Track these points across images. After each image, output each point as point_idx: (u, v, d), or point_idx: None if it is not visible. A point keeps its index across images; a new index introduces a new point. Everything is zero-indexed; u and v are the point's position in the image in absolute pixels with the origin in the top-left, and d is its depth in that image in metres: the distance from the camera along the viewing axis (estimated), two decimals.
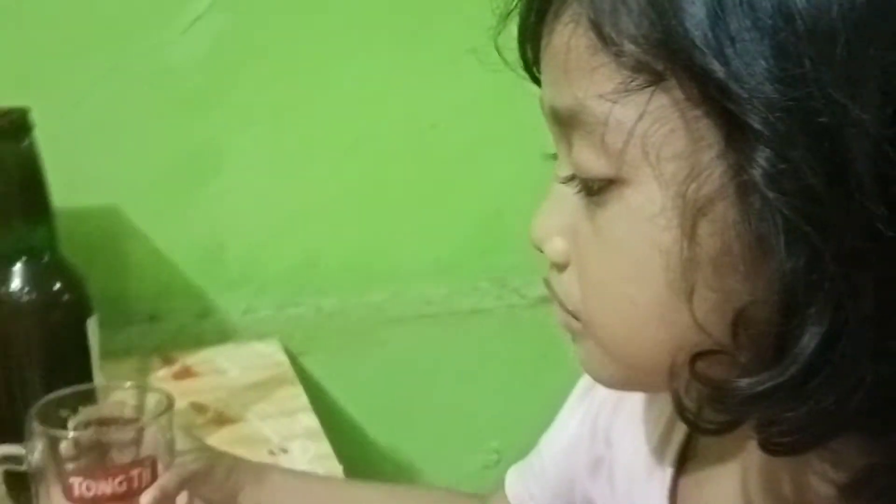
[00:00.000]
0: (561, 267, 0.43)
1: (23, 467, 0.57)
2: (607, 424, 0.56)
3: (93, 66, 1.03)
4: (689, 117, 0.35)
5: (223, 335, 1.10)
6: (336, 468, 0.80)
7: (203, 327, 1.10)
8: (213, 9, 1.05)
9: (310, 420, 0.89)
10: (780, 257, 0.34)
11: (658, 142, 0.36)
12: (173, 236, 1.09)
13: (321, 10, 1.09)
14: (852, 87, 0.33)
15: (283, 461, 0.80)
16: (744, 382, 0.36)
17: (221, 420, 0.88)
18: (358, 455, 1.18)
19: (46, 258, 0.74)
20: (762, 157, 0.33)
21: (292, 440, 0.84)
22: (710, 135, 0.35)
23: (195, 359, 1.02)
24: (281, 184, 1.10)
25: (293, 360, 1.07)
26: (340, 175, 1.12)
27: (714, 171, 0.35)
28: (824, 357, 0.34)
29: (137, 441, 0.58)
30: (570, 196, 0.42)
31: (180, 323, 1.10)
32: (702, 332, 0.37)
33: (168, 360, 1.02)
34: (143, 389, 0.61)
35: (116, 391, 0.61)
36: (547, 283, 0.45)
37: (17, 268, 0.72)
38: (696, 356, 0.38)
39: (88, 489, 0.56)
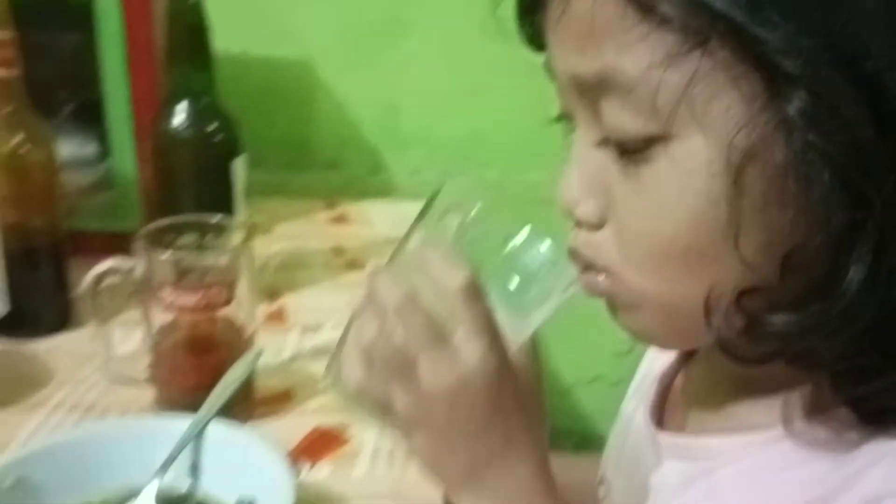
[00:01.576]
0: (594, 227, 0.44)
1: (130, 278, 0.69)
2: None
3: None
4: (734, 74, 0.37)
5: (388, 191, 1.20)
6: None
7: (372, 182, 1.21)
8: None
9: None
10: (824, 197, 0.36)
11: (705, 99, 0.38)
12: (355, 93, 1.18)
13: None
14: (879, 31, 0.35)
15: None
16: (791, 317, 0.38)
17: (353, 265, 0.98)
18: None
19: (206, 101, 0.85)
20: (798, 97, 0.36)
21: None
22: (753, 88, 0.37)
23: (354, 208, 1.13)
24: (458, 57, 1.15)
25: None
26: (514, 56, 1.15)
27: (759, 121, 0.37)
28: (869, 292, 0.37)
29: (217, 266, 0.69)
30: (596, 157, 0.43)
31: (352, 174, 1.20)
32: (749, 271, 0.39)
33: (331, 205, 1.13)
34: (230, 224, 0.72)
35: (211, 223, 0.71)
36: (572, 251, 0.46)
37: (181, 106, 0.84)
38: (742, 293, 0.40)
39: (175, 301, 0.67)
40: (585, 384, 1.29)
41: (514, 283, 0.47)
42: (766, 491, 0.42)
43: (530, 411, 0.47)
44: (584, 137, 0.44)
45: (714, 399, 0.48)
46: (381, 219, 1.11)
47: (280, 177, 1.18)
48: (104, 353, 0.69)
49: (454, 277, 0.44)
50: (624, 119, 0.40)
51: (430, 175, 1.21)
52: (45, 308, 0.81)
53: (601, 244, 0.44)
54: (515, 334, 0.47)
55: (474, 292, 0.44)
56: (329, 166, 1.21)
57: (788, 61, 0.36)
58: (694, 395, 0.51)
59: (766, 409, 0.43)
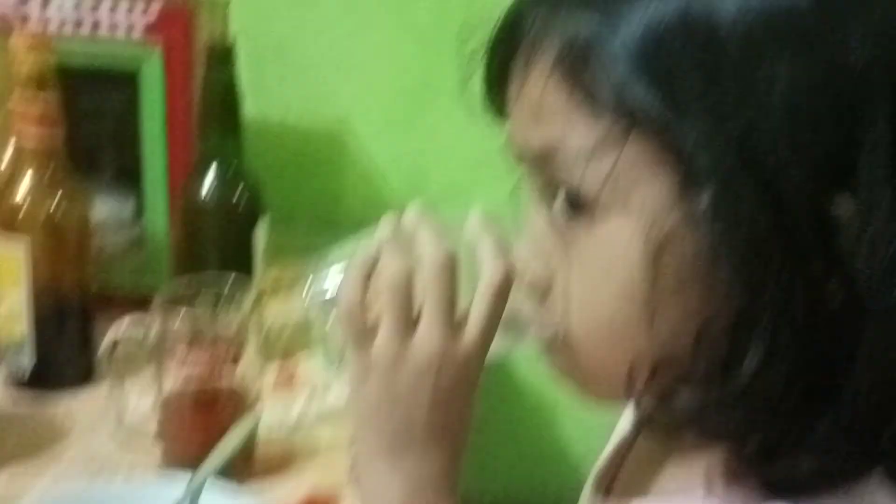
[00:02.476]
0: (543, 291, 0.46)
1: (147, 336, 0.73)
2: None
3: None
4: (654, 165, 0.40)
5: None
6: None
7: None
8: None
9: None
10: (726, 283, 0.39)
11: (628, 185, 0.41)
12: (385, 157, 1.22)
13: None
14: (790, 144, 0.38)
15: None
16: (696, 392, 0.41)
17: None
18: (500, 385, 1.26)
19: (234, 166, 0.89)
20: (708, 191, 0.39)
21: None
22: (670, 179, 0.40)
23: None
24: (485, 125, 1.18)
25: None
26: None
27: (674, 211, 0.40)
28: (767, 372, 0.39)
29: (230, 326, 0.72)
30: (545, 226, 0.45)
31: None
32: (662, 347, 0.42)
33: None
34: (246, 286, 0.75)
35: (228, 284, 0.75)
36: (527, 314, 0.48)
37: (209, 171, 0.89)
38: (657, 366, 0.43)
39: (187, 359, 0.70)
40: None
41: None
42: None
43: (468, 416, 0.47)
44: (536, 204, 0.46)
45: (645, 463, 0.49)
46: None
47: (307, 239, 1.21)
48: (117, 410, 0.73)
49: (494, 268, 0.44)
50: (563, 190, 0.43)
51: None
52: (70, 364, 0.84)
53: (550, 309, 0.46)
54: (497, 347, 0.47)
55: (504, 288, 0.44)
56: (356, 229, 1.24)
57: (700, 156, 0.39)
58: (634, 464, 0.53)
59: (689, 474, 0.44)
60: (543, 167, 0.44)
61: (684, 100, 0.39)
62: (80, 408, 0.81)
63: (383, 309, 0.44)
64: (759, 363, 0.39)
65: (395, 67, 1.20)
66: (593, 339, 0.44)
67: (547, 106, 0.43)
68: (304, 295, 0.49)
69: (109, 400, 0.73)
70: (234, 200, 0.90)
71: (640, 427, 0.54)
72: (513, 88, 0.45)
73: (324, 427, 0.80)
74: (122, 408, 0.73)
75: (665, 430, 0.44)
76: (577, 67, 0.41)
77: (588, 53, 0.41)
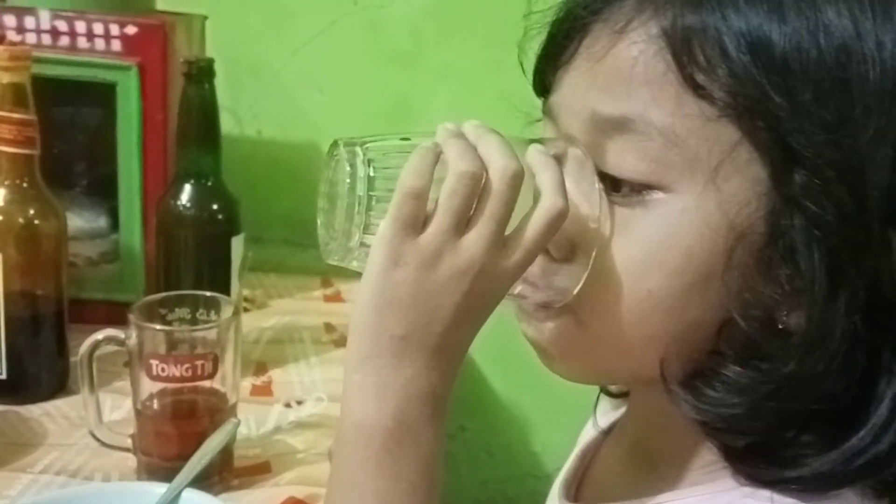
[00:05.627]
0: (562, 258, 0.46)
1: (123, 348, 0.74)
2: None
3: (315, 21, 1.19)
4: (753, 155, 0.42)
5: None
6: None
7: None
8: None
9: None
10: (809, 269, 0.41)
11: (721, 169, 0.42)
12: None
13: None
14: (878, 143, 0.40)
15: None
16: (732, 374, 0.42)
17: (341, 342, 1.01)
18: (477, 402, 1.28)
19: (210, 182, 0.90)
20: (800, 175, 0.41)
21: None
22: (761, 172, 0.42)
23: (349, 286, 1.17)
24: None
25: None
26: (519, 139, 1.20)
27: (759, 202, 0.42)
28: (812, 366, 0.41)
29: (205, 339, 0.72)
30: (586, 193, 0.45)
31: None
32: (693, 330, 0.43)
33: (327, 284, 1.18)
34: (221, 300, 0.76)
35: (203, 298, 0.76)
36: (528, 285, 0.47)
37: (186, 186, 0.90)
38: (682, 349, 0.44)
39: (162, 370, 0.71)
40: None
41: None
42: None
43: (469, 343, 0.45)
44: (579, 170, 0.45)
45: (616, 470, 0.52)
46: None
47: (281, 253, 1.23)
48: (93, 420, 0.73)
49: (553, 199, 0.43)
50: (631, 162, 0.43)
51: None
52: (44, 373, 0.85)
53: (565, 277, 0.46)
54: None
55: (557, 222, 0.43)
56: None
57: (806, 158, 0.40)
58: (603, 469, 0.55)
59: (660, 481, 0.46)
60: (606, 135, 0.44)
61: (806, 105, 0.40)
62: (54, 417, 0.81)
63: (442, 203, 0.42)
64: (814, 353, 0.40)
65: (370, 89, 1.22)
66: (624, 314, 0.44)
67: (636, 74, 0.43)
68: (351, 161, 0.44)
69: (84, 409, 0.73)
70: (211, 216, 0.91)
71: (606, 434, 0.56)
72: (589, 52, 0.45)
73: (301, 435, 0.81)
74: (96, 417, 0.73)
75: (697, 413, 0.43)
76: (685, 43, 0.42)
77: (701, 32, 0.41)
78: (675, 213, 0.43)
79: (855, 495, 0.43)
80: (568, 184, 0.44)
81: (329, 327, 1.05)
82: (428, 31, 1.20)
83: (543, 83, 0.49)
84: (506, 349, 1.23)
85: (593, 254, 0.45)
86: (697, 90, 0.42)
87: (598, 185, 0.44)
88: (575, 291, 0.45)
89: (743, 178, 0.42)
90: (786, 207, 0.41)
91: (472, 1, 1.18)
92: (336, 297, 1.15)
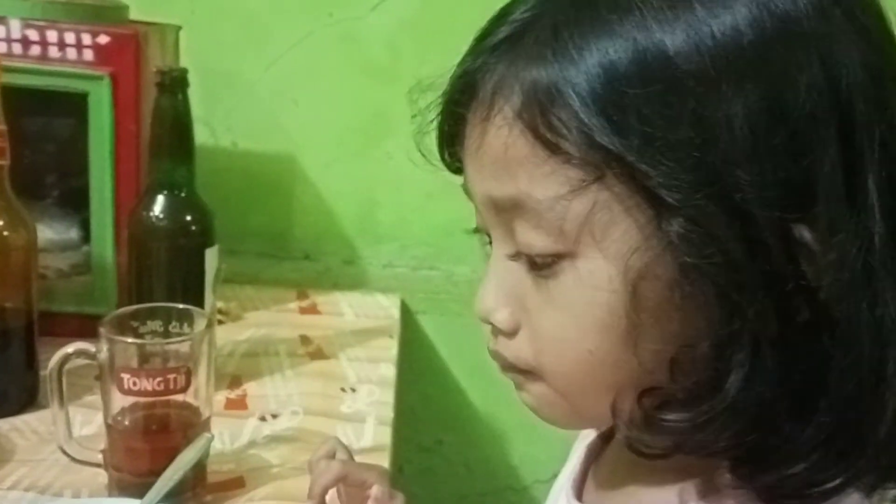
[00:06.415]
0: (510, 333, 0.49)
1: (94, 361, 0.72)
2: None
3: (291, 32, 1.19)
4: (627, 204, 0.43)
5: (360, 283, 1.24)
6: (388, 415, 0.90)
7: (345, 272, 1.24)
8: None
9: (388, 371, 0.99)
10: (704, 310, 0.42)
11: (604, 225, 0.43)
12: (336, 187, 1.23)
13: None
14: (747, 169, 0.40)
15: (347, 398, 0.92)
16: (683, 414, 0.43)
17: (317, 355, 1.01)
18: (454, 415, 1.28)
19: (184, 194, 0.89)
20: (679, 224, 0.41)
21: (365, 383, 0.95)
22: (643, 216, 0.42)
23: (325, 299, 1.17)
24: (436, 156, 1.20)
25: (411, 316, 1.18)
26: None
27: (649, 245, 0.43)
28: (749, 391, 0.41)
29: (178, 352, 0.71)
30: (510, 269, 0.48)
31: (327, 265, 1.24)
32: (646, 374, 0.44)
33: (302, 296, 1.17)
34: (194, 313, 0.75)
35: (176, 311, 0.75)
36: (493, 353, 0.51)
37: (159, 197, 0.88)
38: (642, 393, 0.45)
39: (134, 384, 0.70)
40: (545, 482, 1.30)
41: None
42: None
43: None
44: (499, 251, 0.48)
45: (616, 479, 0.51)
46: (349, 310, 1.15)
47: (256, 266, 1.22)
48: (63, 435, 0.72)
49: None
50: (534, 238, 0.45)
51: (403, 269, 1.25)
52: (13, 387, 0.83)
53: (518, 348, 0.48)
54: None
55: None
56: (305, 257, 1.25)
57: (670, 194, 0.41)
58: (604, 474, 0.55)
59: (662, 491, 0.47)
60: (511, 216, 0.46)
61: (647, 139, 0.41)
62: (23, 431, 0.79)
63: None
64: (742, 380, 0.41)
65: (346, 101, 1.21)
66: (576, 374, 0.46)
67: (510, 158, 0.44)
68: None
69: (54, 424, 0.71)
70: (185, 227, 0.89)
71: (607, 436, 0.56)
72: (470, 143, 0.47)
73: (276, 449, 0.80)
74: (66, 432, 0.72)
75: (653, 454, 0.45)
76: (539, 117, 0.43)
77: (549, 102, 0.42)
78: (585, 275, 0.44)
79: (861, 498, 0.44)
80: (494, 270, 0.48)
81: (305, 339, 1.04)
82: (404, 44, 1.20)
83: (455, 166, 0.51)
84: (483, 363, 1.25)
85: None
86: (566, 157, 0.43)
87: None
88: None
89: (627, 225, 0.43)
90: (668, 247, 0.42)
91: (450, 14, 1.18)
92: (312, 310, 1.14)
